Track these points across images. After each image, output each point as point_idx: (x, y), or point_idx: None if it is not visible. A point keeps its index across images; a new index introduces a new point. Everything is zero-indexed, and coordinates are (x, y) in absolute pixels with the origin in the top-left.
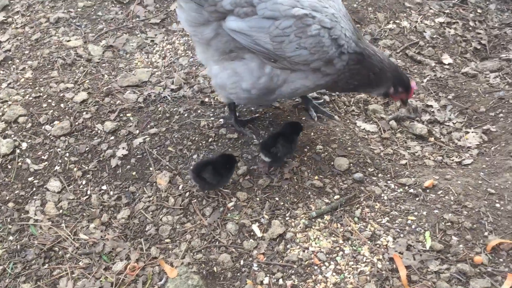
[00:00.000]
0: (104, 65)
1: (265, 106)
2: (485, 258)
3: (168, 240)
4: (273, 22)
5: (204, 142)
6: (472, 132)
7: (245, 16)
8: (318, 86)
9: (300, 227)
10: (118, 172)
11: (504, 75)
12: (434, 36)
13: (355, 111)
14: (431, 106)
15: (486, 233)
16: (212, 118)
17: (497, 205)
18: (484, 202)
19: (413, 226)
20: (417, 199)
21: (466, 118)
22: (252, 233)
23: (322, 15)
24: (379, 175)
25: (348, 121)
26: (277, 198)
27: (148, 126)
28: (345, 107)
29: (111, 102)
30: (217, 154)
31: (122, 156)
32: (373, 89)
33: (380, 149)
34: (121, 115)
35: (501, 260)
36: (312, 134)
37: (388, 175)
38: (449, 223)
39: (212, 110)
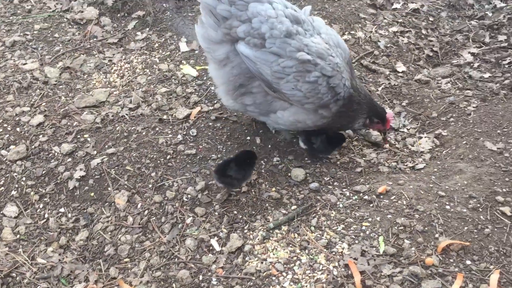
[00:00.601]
0: (61, 87)
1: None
2: (436, 259)
3: (127, 260)
4: (277, 58)
5: (162, 159)
6: (425, 137)
7: (253, 47)
8: (317, 126)
9: (258, 239)
10: (76, 194)
11: (455, 80)
12: (388, 45)
13: None
14: None
15: (437, 235)
16: (170, 135)
17: (447, 207)
18: (435, 204)
19: (367, 232)
20: (371, 205)
21: (419, 124)
22: (211, 248)
23: (326, 63)
24: (335, 183)
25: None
26: (235, 212)
27: (106, 146)
28: None
29: (68, 124)
30: (236, 152)
31: (79, 177)
32: (353, 124)
33: (336, 157)
34: (79, 136)
35: (451, 260)
36: (269, 146)
37: (344, 183)
38: (402, 227)
39: (170, 127)
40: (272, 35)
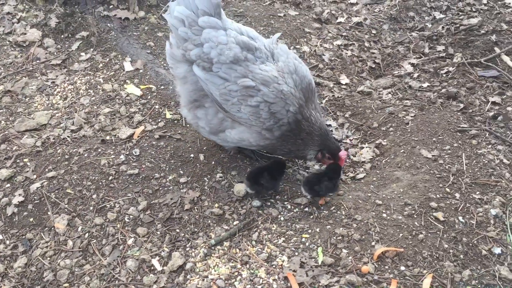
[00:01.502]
0: (1, 111)
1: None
2: (371, 267)
3: (66, 285)
4: (224, 82)
5: (104, 181)
6: (366, 147)
7: (203, 69)
8: (261, 146)
9: (200, 256)
10: (14, 220)
11: (396, 90)
12: (333, 59)
13: None
14: (329, 125)
15: (373, 243)
16: (113, 156)
17: (384, 215)
18: (372, 213)
19: (307, 244)
20: (311, 217)
21: (361, 134)
22: (152, 268)
23: (269, 90)
24: (277, 197)
25: None
26: (177, 230)
27: (46, 170)
28: None
29: (7, 148)
30: (268, 161)
31: (18, 203)
32: (304, 153)
33: None
34: (18, 161)
35: (386, 267)
36: (213, 162)
37: (285, 197)
38: (340, 237)
39: (113, 147)
40: (219, 60)
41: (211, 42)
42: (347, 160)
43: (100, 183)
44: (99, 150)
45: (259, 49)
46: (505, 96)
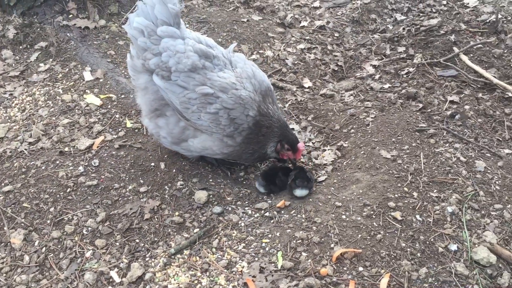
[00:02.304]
0: None
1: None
2: (330, 269)
3: None
4: (183, 90)
5: (62, 193)
6: (328, 149)
7: (162, 78)
8: (225, 154)
9: (159, 266)
10: None
11: (358, 92)
12: (296, 62)
13: None
14: (292, 129)
15: (332, 245)
16: (71, 168)
17: (343, 216)
18: (332, 215)
19: (267, 249)
20: (272, 221)
21: (324, 137)
22: (111, 280)
23: (227, 96)
24: (238, 202)
25: None
26: (137, 240)
27: (2, 184)
28: None
29: None
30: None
31: None
32: (266, 149)
33: (240, 175)
34: None
35: (345, 268)
36: (174, 170)
37: (246, 202)
38: (300, 240)
39: (72, 159)
40: (177, 69)
41: (169, 51)
42: (304, 153)
43: (58, 195)
44: (57, 162)
45: (217, 57)
46: (463, 95)
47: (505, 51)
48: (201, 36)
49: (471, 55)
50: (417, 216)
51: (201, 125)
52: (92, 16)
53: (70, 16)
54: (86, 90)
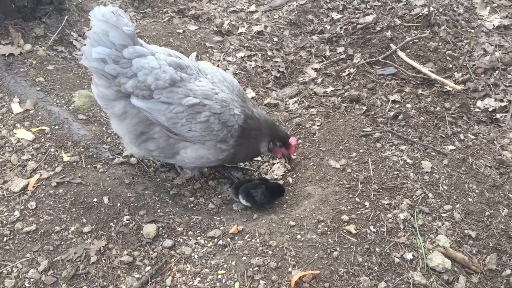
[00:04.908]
0: None
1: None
2: None
3: None
4: (168, 106)
5: None
6: (277, 162)
7: (144, 98)
8: (220, 160)
9: None
10: None
11: (302, 98)
12: (237, 72)
13: (165, 165)
14: None
15: (290, 269)
16: (6, 213)
17: (298, 236)
18: (287, 236)
19: (223, 280)
20: (226, 249)
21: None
22: None
23: (213, 102)
24: (189, 232)
25: (159, 179)
26: (85, 287)
27: None
28: (155, 164)
29: None
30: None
31: None
32: (259, 149)
33: (189, 200)
34: None
35: None
36: (119, 204)
37: (198, 231)
38: (256, 268)
39: (6, 203)
40: (157, 86)
41: (144, 69)
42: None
43: None
44: None
45: (189, 66)
46: (404, 93)
47: (440, 44)
48: (165, 48)
49: (408, 50)
50: (371, 227)
51: (192, 137)
52: (16, 41)
53: None
54: (16, 124)
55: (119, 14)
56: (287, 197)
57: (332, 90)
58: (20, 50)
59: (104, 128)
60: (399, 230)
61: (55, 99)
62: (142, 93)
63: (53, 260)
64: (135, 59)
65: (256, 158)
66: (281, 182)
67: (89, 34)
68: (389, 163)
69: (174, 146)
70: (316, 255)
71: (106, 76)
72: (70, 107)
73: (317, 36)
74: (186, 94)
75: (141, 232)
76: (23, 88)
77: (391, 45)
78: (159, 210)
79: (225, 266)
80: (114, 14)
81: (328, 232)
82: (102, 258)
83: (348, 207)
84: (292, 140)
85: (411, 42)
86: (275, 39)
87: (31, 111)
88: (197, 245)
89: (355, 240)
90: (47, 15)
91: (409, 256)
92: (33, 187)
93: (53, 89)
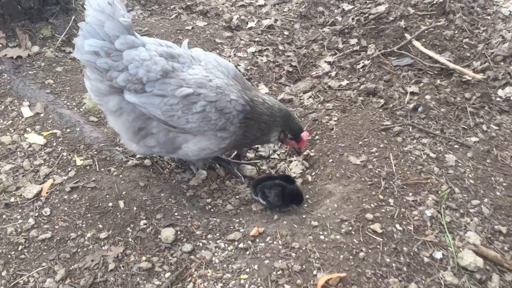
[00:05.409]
0: None
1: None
2: None
3: None
4: (162, 99)
5: (13, 252)
6: (295, 160)
7: (135, 93)
8: (223, 148)
9: None
10: None
11: (317, 93)
12: (249, 68)
13: (180, 167)
14: None
15: (315, 272)
16: (20, 221)
17: (322, 237)
18: (310, 237)
19: (246, 286)
20: (247, 253)
21: (287, 147)
22: None
23: (207, 90)
24: (209, 236)
25: (174, 181)
26: None
27: None
28: (169, 166)
29: None
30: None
31: None
32: (269, 137)
33: (207, 202)
34: None
35: None
36: (135, 208)
37: (218, 234)
38: (280, 271)
39: (20, 211)
40: (149, 78)
41: (135, 62)
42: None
43: (9, 256)
44: (4, 216)
45: (181, 55)
46: (422, 84)
47: (456, 32)
48: (158, 39)
49: (423, 40)
50: (397, 226)
51: (190, 128)
52: (24, 43)
53: (0, 46)
54: (27, 129)
55: (115, 4)
56: (306, 196)
57: (347, 84)
58: (28, 52)
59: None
60: (426, 228)
61: (65, 102)
62: (134, 87)
63: (70, 268)
64: (125, 51)
65: (272, 156)
66: (299, 180)
67: (81, 25)
68: (411, 157)
69: (175, 140)
70: (342, 256)
71: (99, 70)
72: (81, 109)
73: (329, 28)
74: (179, 85)
75: (159, 236)
76: (32, 91)
77: (406, 35)
78: (176, 213)
79: (247, 270)
80: (111, 4)
81: (353, 232)
82: (120, 265)
83: (372, 205)
84: (305, 135)
85: (426, 31)
86: (286, 32)
87: (42, 115)
88: (217, 249)
89: (381, 239)
90: (54, 15)
91: (438, 255)
92: (46, 192)
93: (63, 91)
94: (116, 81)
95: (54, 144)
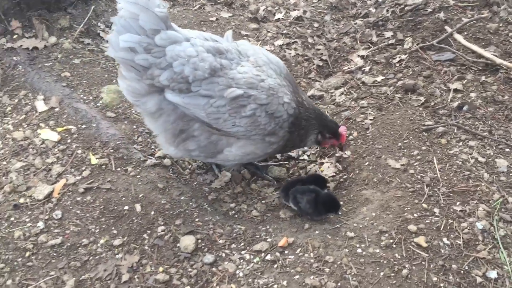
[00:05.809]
0: None
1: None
2: None
3: None
4: (208, 100)
5: (20, 259)
6: (327, 162)
7: (179, 92)
8: (268, 153)
9: None
10: None
11: (349, 89)
12: None
13: (201, 167)
14: None
15: None
16: (29, 224)
17: (359, 250)
18: (345, 250)
19: None
20: (275, 266)
21: (319, 148)
22: None
23: (258, 92)
24: (232, 245)
25: (195, 183)
26: None
27: None
28: (190, 166)
29: None
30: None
31: None
32: (305, 142)
33: (230, 206)
34: None
35: None
36: (152, 213)
37: (242, 243)
38: None
39: (29, 213)
40: (196, 77)
41: (180, 59)
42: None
43: (16, 262)
44: (12, 219)
45: (229, 50)
46: (466, 80)
47: (501, 25)
48: (199, 32)
49: (465, 33)
50: (444, 239)
51: (236, 132)
52: (40, 34)
53: (15, 36)
54: (40, 124)
55: None
56: (341, 203)
57: (382, 79)
58: (45, 43)
59: (134, 127)
60: (477, 243)
61: (82, 96)
62: (178, 86)
63: (81, 278)
64: (168, 46)
65: (301, 157)
66: (332, 184)
67: (114, 20)
68: (457, 162)
69: (217, 144)
70: (382, 273)
71: (136, 68)
72: (98, 104)
73: (361, 20)
74: (228, 85)
75: (178, 245)
76: (47, 84)
77: (446, 27)
78: (197, 219)
79: (275, 286)
80: None
81: (394, 246)
82: (135, 276)
83: (415, 215)
84: (342, 129)
85: (468, 24)
86: (316, 24)
87: (57, 109)
88: (241, 261)
89: (427, 255)
90: (72, 5)
91: (493, 274)
92: (58, 193)
93: (80, 84)
94: (159, 79)
95: (69, 141)
